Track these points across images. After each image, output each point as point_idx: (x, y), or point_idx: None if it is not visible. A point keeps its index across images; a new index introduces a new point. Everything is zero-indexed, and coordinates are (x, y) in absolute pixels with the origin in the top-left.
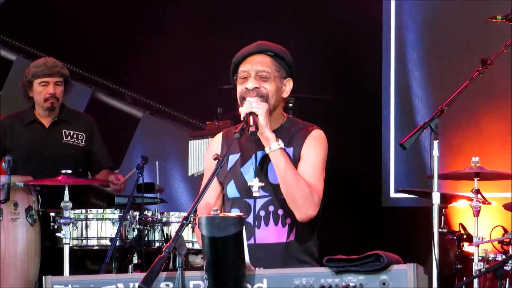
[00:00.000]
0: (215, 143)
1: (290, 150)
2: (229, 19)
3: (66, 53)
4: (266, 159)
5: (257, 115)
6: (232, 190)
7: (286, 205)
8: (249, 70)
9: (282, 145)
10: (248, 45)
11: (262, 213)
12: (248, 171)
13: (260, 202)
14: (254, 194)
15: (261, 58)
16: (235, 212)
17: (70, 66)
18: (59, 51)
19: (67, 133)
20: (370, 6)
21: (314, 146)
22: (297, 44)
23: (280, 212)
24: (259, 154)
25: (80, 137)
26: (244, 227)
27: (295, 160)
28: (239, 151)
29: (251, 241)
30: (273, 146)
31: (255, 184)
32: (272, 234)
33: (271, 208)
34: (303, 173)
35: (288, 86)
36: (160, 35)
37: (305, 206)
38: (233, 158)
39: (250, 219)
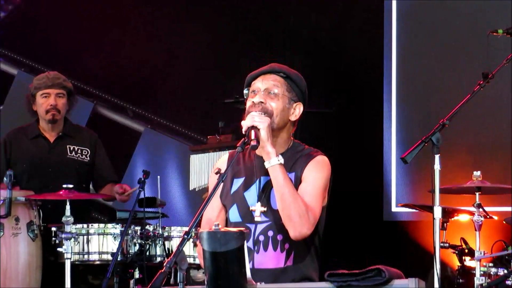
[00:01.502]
0: (221, 163)
1: (292, 175)
2: (229, 36)
3: (67, 67)
4: (269, 184)
5: (258, 129)
6: (234, 215)
7: (285, 231)
8: (259, 87)
9: (282, 160)
10: (244, 62)
11: (261, 238)
12: (251, 196)
13: (260, 227)
14: (256, 219)
15: (273, 77)
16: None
17: (72, 80)
18: (61, 65)
19: (71, 148)
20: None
21: (316, 169)
22: (297, 56)
23: (279, 237)
24: (263, 179)
25: (85, 152)
26: (245, 241)
27: (296, 186)
28: (244, 175)
29: (250, 265)
30: (272, 161)
31: (257, 208)
32: (270, 259)
33: (270, 233)
34: (301, 192)
35: (298, 110)
36: (162, 49)
37: (300, 224)
38: (237, 182)
39: (250, 243)
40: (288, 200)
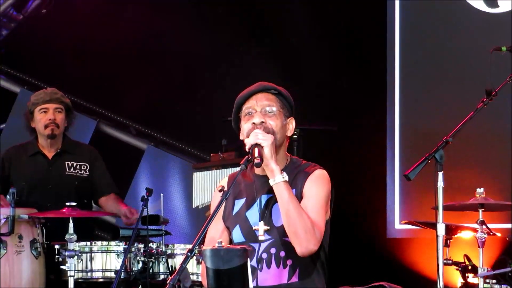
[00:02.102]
0: (223, 183)
1: (293, 191)
2: (232, 55)
3: (70, 85)
4: (270, 202)
5: (262, 147)
6: (237, 235)
7: (288, 247)
8: (254, 106)
9: (286, 178)
10: (247, 80)
11: (264, 255)
12: (253, 215)
13: (263, 245)
14: (260, 238)
15: (266, 95)
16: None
17: (75, 98)
18: (63, 83)
19: (70, 164)
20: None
21: (316, 184)
22: (299, 73)
23: (282, 254)
24: (264, 197)
25: (84, 167)
26: (248, 258)
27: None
28: (245, 196)
29: (254, 283)
30: (277, 178)
31: (260, 227)
32: (273, 276)
33: (272, 250)
34: (305, 208)
35: (291, 125)
36: (164, 67)
37: (306, 240)
38: (239, 203)
39: (253, 262)
40: (293, 217)
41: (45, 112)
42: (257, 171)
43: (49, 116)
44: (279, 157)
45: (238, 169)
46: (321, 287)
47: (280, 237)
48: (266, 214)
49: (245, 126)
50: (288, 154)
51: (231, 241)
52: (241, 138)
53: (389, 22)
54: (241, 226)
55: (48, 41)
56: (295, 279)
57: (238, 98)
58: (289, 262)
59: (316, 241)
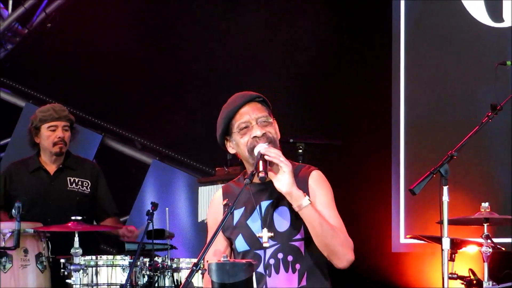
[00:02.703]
0: (217, 200)
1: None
2: (235, 70)
3: (75, 100)
4: (270, 209)
5: (266, 160)
6: (241, 244)
7: (295, 251)
8: (249, 120)
9: (310, 199)
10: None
11: (271, 261)
12: (255, 223)
13: (269, 251)
14: (265, 245)
15: (255, 105)
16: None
17: (80, 113)
18: (68, 97)
19: (71, 180)
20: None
21: (321, 188)
22: (304, 88)
23: (290, 258)
24: (263, 204)
25: (85, 184)
26: (254, 272)
27: None
28: (243, 205)
29: None
30: (303, 202)
31: (264, 234)
32: (283, 281)
33: (280, 255)
34: (327, 219)
35: (277, 127)
36: (171, 82)
37: (344, 253)
38: (238, 213)
39: (260, 269)
40: (329, 236)
41: (53, 130)
42: (254, 179)
43: (58, 134)
44: (277, 165)
45: (230, 182)
46: None
47: (286, 241)
48: (269, 221)
49: (242, 140)
50: None
51: (232, 252)
52: (231, 152)
53: (394, 42)
54: (244, 235)
55: (53, 56)
56: (304, 283)
57: (227, 112)
58: (297, 266)
59: (351, 249)
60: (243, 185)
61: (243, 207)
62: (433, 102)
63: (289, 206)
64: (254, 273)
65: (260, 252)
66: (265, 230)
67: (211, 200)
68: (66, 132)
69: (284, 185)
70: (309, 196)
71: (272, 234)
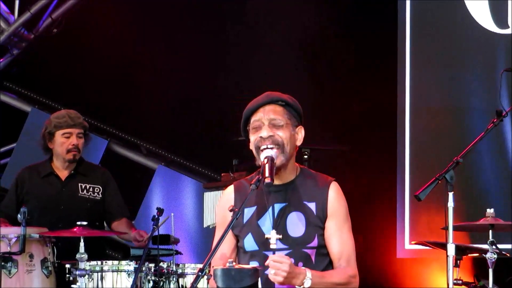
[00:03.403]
0: (227, 196)
1: (313, 205)
2: (242, 72)
3: (81, 105)
4: (283, 212)
5: (274, 163)
6: (250, 243)
7: (305, 259)
8: (262, 119)
9: (310, 275)
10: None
11: None
12: (265, 224)
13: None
14: (272, 246)
15: (273, 107)
16: (253, 265)
17: (85, 118)
18: (74, 102)
19: (83, 186)
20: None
21: (339, 206)
22: (312, 91)
23: (300, 265)
24: (277, 206)
25: (97, 190)
26: (259, 278)
27: (318, 216)
28: (255, 204)
29: None
30: (306, 283)
31: (272, 236)
32: (292, 286)
33: (291, 260)
34: (341, 246)
35: (300, 134)
36: (176, 87)
37: None
38: (249, 212)
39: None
40: None
41: (68, 137)
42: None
43: (72, 141)
44: (290, 167)
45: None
46: None
47: (298, 247)
48: (280, 224)
49: (252, 138)
50: (296, 164)
51: (239, 250)
52: (251, 148)
53: (400, 48)
54: (253, 234)
55: (59, 61)
56: None
57: (246, 111)
58: None
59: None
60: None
61: (255, 206)
62: (438, 108)
63: (305, 212)
64: (260, 276)
65: (269, 253)
66: (273, 231)
67: (221, 195)
68: (80, 139)
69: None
70: (323, 207)
71: (281, 236)
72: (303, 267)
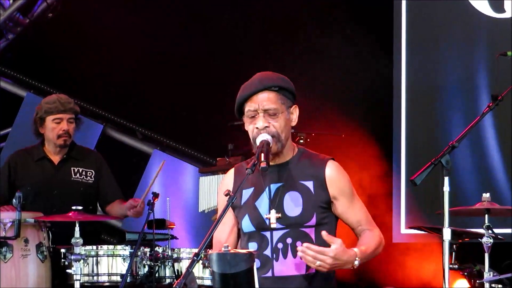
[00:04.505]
0: (228, 179)
1: (310, 183)
2: (241, 58)
3: (76, 89)
4: (280, 191)
5: (269, 147)
6: (247, 224)
7: (303, 237)
8: (257, 109)
9: (358, 253)
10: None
11: (280, 245)
12: (263, 205)
13: (277, 235)
14: (272, 226)
15: (267, 95)
16: (252, 247)
17: (81, 102)
18: (70, 87)
19: (75, 170)
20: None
21: (342, 179)
22: (308, 80)
23: (298, 244)
24: (273, 186)
25: (89, 173)
26: (254, 263)
27: (317, 195)
28: (252, 185)
29: (269, 273)
30: (356, 263)
31: (272, 215)
32: (291, 266)
33: (289, 240)
34: (354, 211)
35: (295, 113)
36: (171, 72)
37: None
38: (247, 193)
39: (267, 251)
40: (376, 253)
41: (58, 123)
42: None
43: (62, 126)
44: (287, 147)
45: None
46: (334, 277)
47: (295, 227)
48: (278, 203)
49: (249, 127)
50: (293, 143)
51: (239, 231)
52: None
53: (396, 33)
54: (250, 215)
55: (54, 45)
56: (312, 270)
57: (239, 98)
58: None
59: (382, 239)
60: (251, 165)
61: (252, 187)
62: (434, 92)
63: (301, 192)
64: (258, 256)
65: (267, 234)
66: (273, 211)
67: (223, 178)
68: (71, 124)
69: (348, 266)
70: (321, 185)
71: (280, 215)
72: (351, 249)
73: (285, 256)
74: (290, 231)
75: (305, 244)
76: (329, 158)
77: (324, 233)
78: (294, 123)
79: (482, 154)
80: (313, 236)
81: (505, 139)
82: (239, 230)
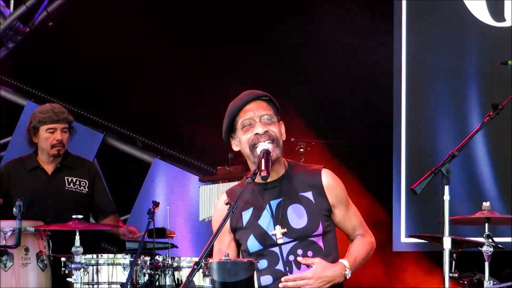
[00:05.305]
0: (221, 205)
1: (310, 194)
2: (239, 67)
3: (77, 98)
4: (281, 207)
5: (274, 162)
6: (253, 244)
7: (314, 247)
8: (253, 117)
9: (347, 264)
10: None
11: (291, 257)
12: (266, 222)
13: (286, 248)
14: (279, 241)
15: (260, 103)
16: (263, 264)
17: (81, 111)
18: (70, 96)
19: (69, 179)
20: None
21: (337, 186)
22: (309, 88)
23: (310, 254)
24: (273, 203)
25: (83, 183)
26: (255, 272)
27: (318, 203)
28: (250, 205)
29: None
30: (348, 274)
31: (277, 231)
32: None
33: (299, 251)
34: (353, 221)
35: (283, 128)
36: (172, 81)
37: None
38: (246, 214)
39: (280, 266)
40: (367, 259)
41: (52, 133)
42: (257, 179)
43: (56, 136)
44: (279, 164)
45: (234, 184)
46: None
47: (303, 237)
48: (281, 218)
49: (244, 137)
50: (283, 158)
51: (239, 254)
52: (235, 149)
53: (396, 42)
54: (255, 234)
55: (55, 54)
56: None
57: (232, 110)
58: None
59: (374, 244)
60: (245, 187)
61: (251, 208)
62: (434, 101)
63: (303, 203)
64: (270, 272)
65: (275, 249)
66: (278, 227)
67: (215, 205)
68: (65, 134)
69: (340, 279)
70: (320, 194)
71: (285, 230)
72: (339, 261)
73: (298, 267)
74: (298, 242)
75: (283, 278)
76: (321, 167)
77: (299, 258)
78: (284, 137)
79: (472, 163)
80: (321, 244)
81: (496, 148)
82: (243, 252)
